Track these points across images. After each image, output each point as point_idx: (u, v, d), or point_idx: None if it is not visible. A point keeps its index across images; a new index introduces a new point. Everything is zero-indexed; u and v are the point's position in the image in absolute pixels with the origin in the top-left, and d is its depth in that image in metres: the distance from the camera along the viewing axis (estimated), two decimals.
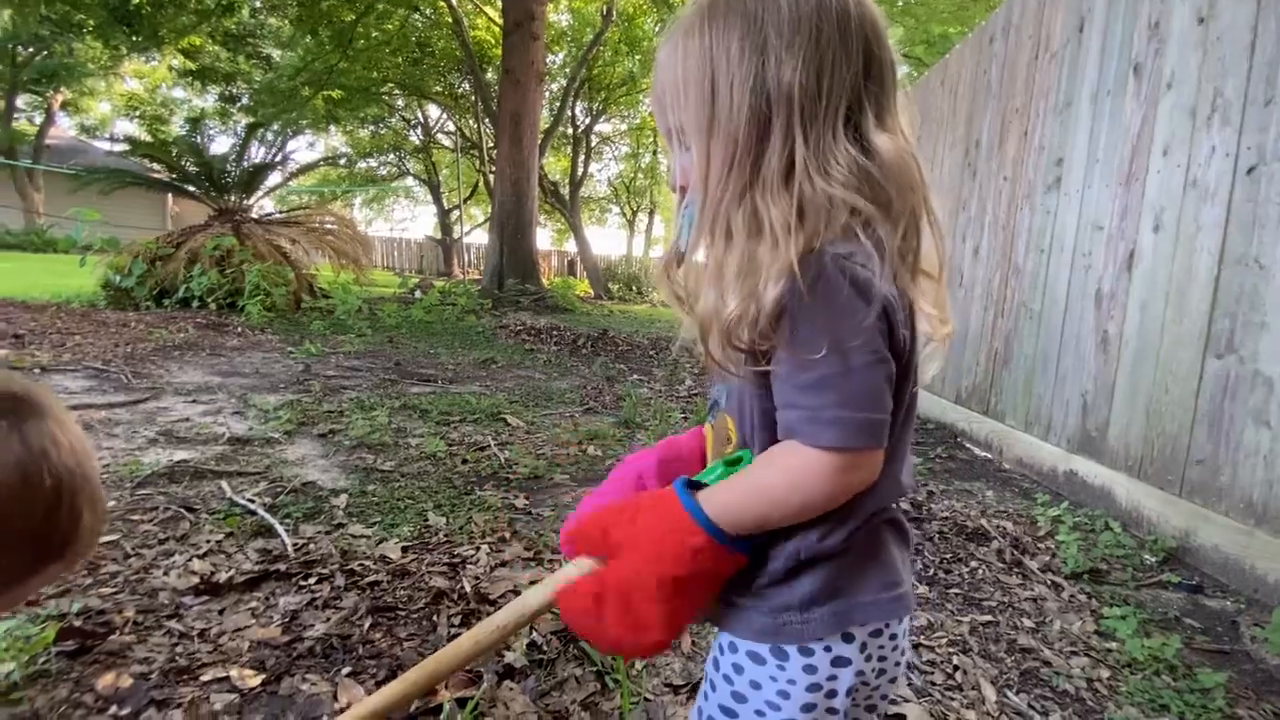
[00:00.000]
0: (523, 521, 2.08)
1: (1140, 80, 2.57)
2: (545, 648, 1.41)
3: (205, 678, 1.24)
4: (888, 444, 0.57)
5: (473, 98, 15.75)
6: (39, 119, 19.60)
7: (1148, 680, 1.54)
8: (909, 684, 1.46)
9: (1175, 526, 2.23)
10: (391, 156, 22.37)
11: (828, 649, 0.61)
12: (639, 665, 1.41)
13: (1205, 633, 1.77)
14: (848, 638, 0.61)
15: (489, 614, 1.54)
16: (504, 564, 1.76)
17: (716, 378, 0.67)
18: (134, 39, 11.55)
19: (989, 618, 1.80)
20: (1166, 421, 2.32)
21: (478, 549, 1.84)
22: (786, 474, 0.56)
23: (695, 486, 0.60)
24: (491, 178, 13.65)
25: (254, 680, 1.25)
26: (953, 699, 1.43)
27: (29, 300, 5.97)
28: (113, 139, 20.14)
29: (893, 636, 0.64)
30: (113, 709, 1.15)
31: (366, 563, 1.70)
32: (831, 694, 0.62)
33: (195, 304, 6.34)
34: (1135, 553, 2.21)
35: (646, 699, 1.31)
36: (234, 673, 1.26)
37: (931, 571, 2.02)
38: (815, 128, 0.56)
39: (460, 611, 1.53)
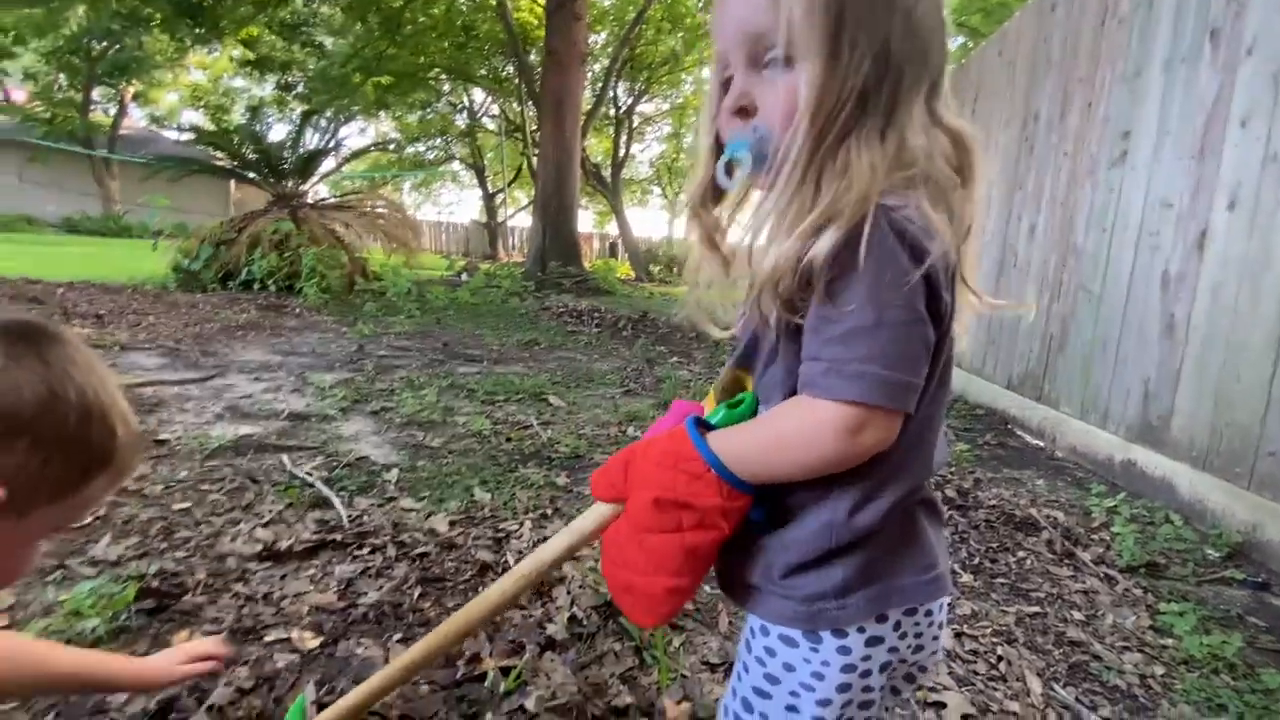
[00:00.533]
0: (564, 499, 2.13)
1: (1217, 46, 2.39)
2: (585, 622, 1.46)
3: (269, 638, 1.33)
4: (920, 414, 0.56)
5: (516, 80, 15.82)
6: (113, 111, 20.65)
7: (1205, 679, 1.49)
8: (950, 672, 1.45)
9: (1242, 520, 2.12)
10: (438, 141, 22.72)
11: (861, 630, 0.61)
12: (676, 642, 1.44)
13: (1270, 632, 1.69)
14: (881, 618, 0.61)
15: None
16: (546, 539, 1.81)
17: (744, 328, 0.65)
18: (197, 31, 12.02)
19: (1036, 609, 1.76)
20: (1237, 411, 2.20)
21: (521, 524, 1.90)
22: (797, 424, 0.55)
23: (706, 427, 0.61)
24: (535, 161, 13.74)
25: (313, 642, 1.33)
26: (995, 689, 1.41)
27: (107, 283, 6.35)
28: (180, 128, 21.07)
29: (928, 613, 0.64)
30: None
31: (416, 535, 1.78)
32: (866, 673, 0.62)
33: (256, 286, 6.63)
34: (1197, 547, 2.11)
35: (683, 676, 1.34)
36: (295, 634, 1.34)
37: (977, 560, 1.98)
38: (918, 89, 0.56)
39: None
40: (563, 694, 1.21)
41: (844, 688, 0.62)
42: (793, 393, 0.57)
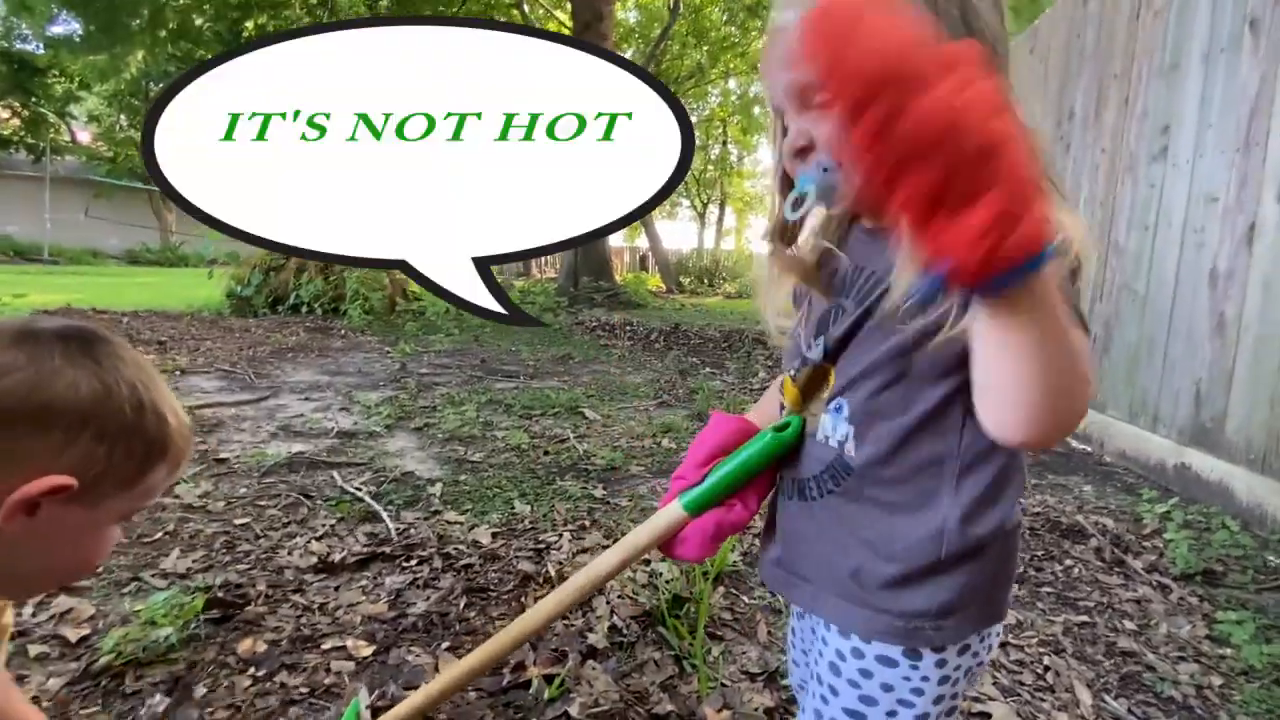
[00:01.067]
0: (601, 511, 2.17)
1: (1258, 35, 2.33)
2: (625, 631, 1.49)
3: (326, 646, 1.40)
4: None
5: None
6: None
7: (1266, 689, 1.44)
8: (994, 682, 1.43)
9: None
10: None
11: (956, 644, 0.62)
12: (715, 652, 1.46)
13: None
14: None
15: None
16: (585, 550, 1.86)
17: (814, 330, 0.66)
18: None
19: (1085, 618, 1.72)
20: None
21: (560, 536, 1.94)
22: (1081, 343, 0.46)
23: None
24: None
25: (366, 650, 1.39)
26: (1043, 700, 1.39)
27: (167, 310, 6.70)
28: None
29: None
30: (251, 670, 1.31)
31: (460, 547, 1.84)
32: (956, 681, 0.63)
33: (304, 309, 6.90)
34: (1256, 553, 2.03)
35: (723, 684, 1.35)
36: (349, 643, 1.41)
37: (1021, 569, 1.94)
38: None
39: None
40: (605, 701, 1.24)
41: (939, 699, 0.63)
42: (884, 381, 0.59)
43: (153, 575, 1.62)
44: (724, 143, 21.58)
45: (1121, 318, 3.08)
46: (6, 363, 0.60)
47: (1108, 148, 3.25)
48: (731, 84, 18.71)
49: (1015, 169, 0.34)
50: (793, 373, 0.70)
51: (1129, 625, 1.69)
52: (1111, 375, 3.13)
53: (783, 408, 0.73)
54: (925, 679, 0.62)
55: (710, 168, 22.54)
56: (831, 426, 0.64)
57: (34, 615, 1.43)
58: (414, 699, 0.99)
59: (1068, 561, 2.01)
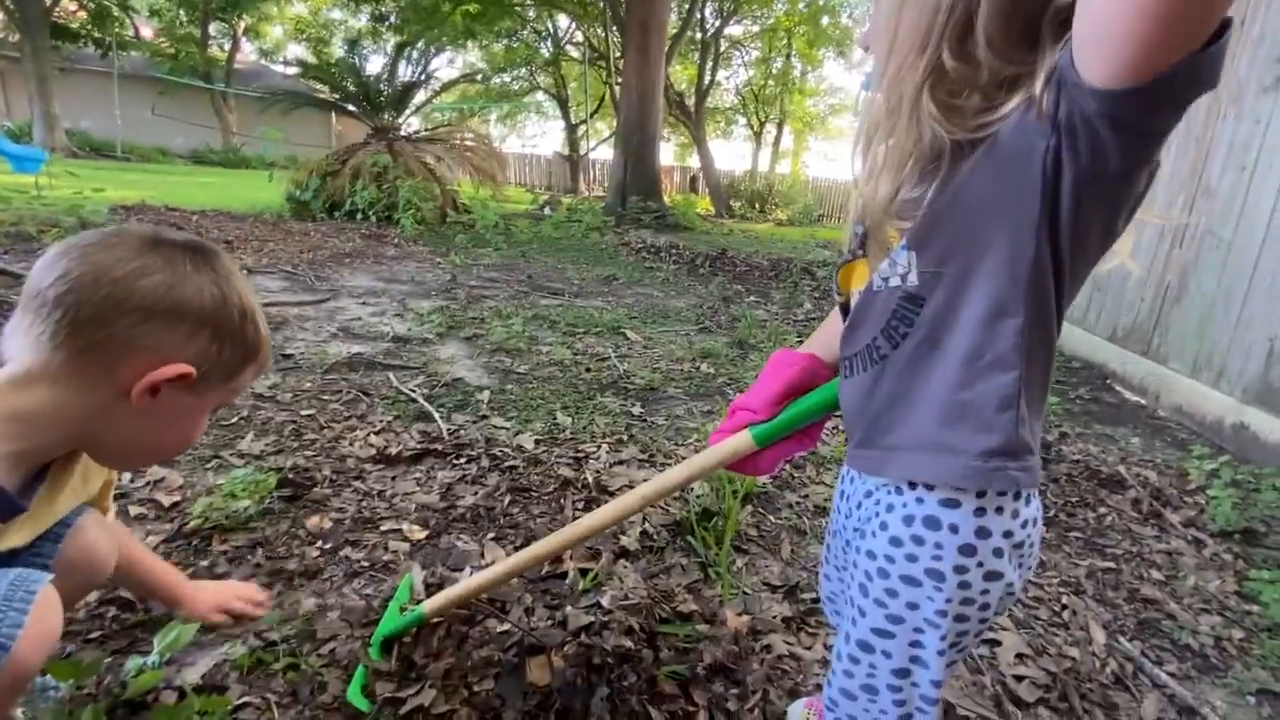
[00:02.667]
0: (638, 427, 2.26)
1: None
2: (655, 538, 1.58)
3: (384, 528, 1.54)
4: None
5: (601, 4, 15.33)
6: (227, 46, 21.76)
7: None
8: (1008, 614, 1.48)
9: None
10: (523, 71, 22.56)
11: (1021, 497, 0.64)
12: (739, 563, 1.54)
13: None
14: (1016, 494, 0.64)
15: (607, 502, 1.72)
16: (621, 462, 1.95)
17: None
18: None
19: (1111, 564, 1.74)
20: None
21: (599, 447, 2.04)
22: None
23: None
24: (618, 90, 13.45)
25: (420, 534, 1.53)
26: (1055, 635, 1.44)
27: (232, 211, 6.93)
28: (286, 62, 21.97)
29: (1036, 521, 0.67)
30: (318, 543, 1.46)
31: (506, 450, 1.95)
32: (1002, 552, 0.64)
33: (359, 216, 7.04)
34: None
35: (745, 593, 1.44)
36: (404, 526, 1.55)
37: (1052, 513, 1.95)
38: None
39: (583, 498, 1.74)
40: (634, 596, 1.35)
41: (968, 601, 0.65)
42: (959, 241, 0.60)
43: (231, 454, 1.79)
44: (787, 55, 20.17)
45: (1200, 265, 2.89)
46: (147, 264, 0.69)
47: None
48: None
49: None
50: (854, 254, 0.72)
51: (1155, 575, 1.71)
52: (1180, 326, 2.98)
53: (840, 295, 0.76)
54: (977, 534, 0.63)
55: (770, 83, 21.23)
56: (889, 267, 0.64)
57: (131, 481, 1.61)
58: (462, 585, 1.10)
59: (1101, 510, 2.00)
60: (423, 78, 9.52)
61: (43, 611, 0.70)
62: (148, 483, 1.61)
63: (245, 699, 1.04)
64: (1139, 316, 3.30)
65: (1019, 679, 1.28)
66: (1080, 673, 1.32)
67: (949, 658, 0.67)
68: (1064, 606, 1.54)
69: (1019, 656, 1.34)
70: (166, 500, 1.55)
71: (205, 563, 1.35)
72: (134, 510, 1.49)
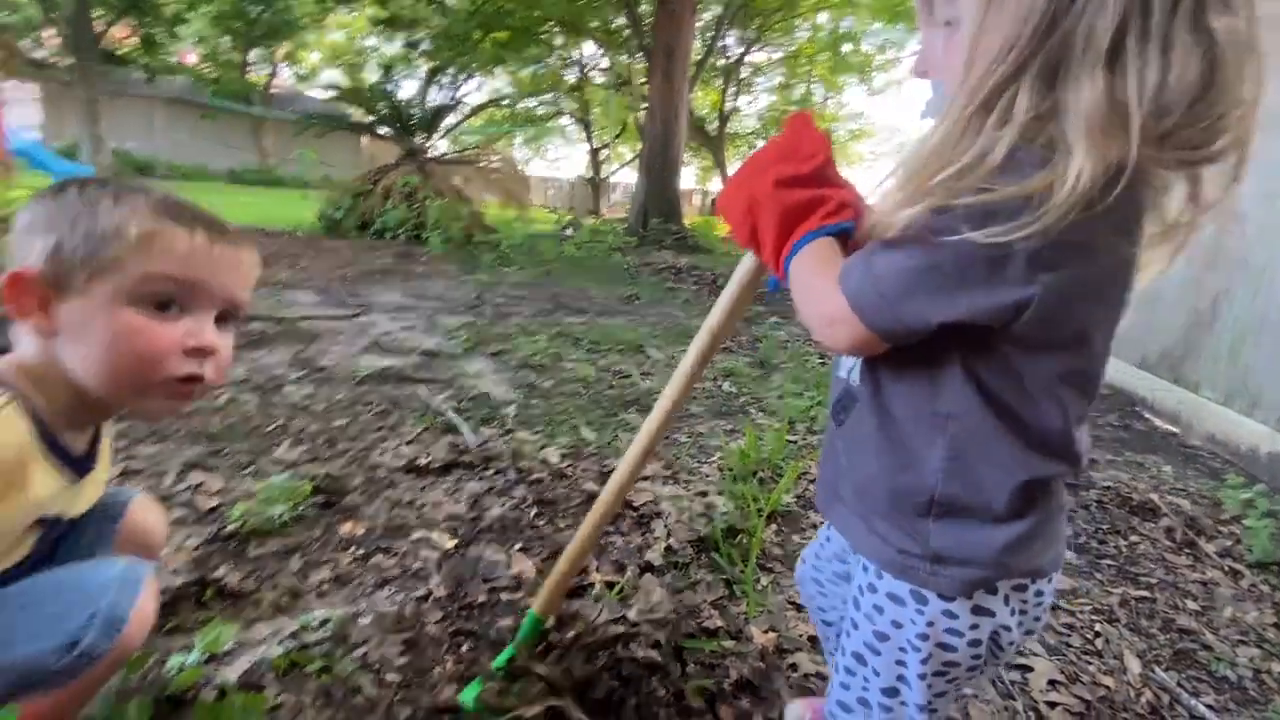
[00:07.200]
0: (662, 444, 2.27)
1: None
2: (680, 553, 1.59)
3: (414, 536, 1.57)
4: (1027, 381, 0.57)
5: (627, 31, 15.67)
6: (265, 70, 22.60)
7: None
8: (1040, 640, 1.46)
9: None
10: (549, 96, 23.05)
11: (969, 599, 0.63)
12: (764, 581, 1.54)
13: None
14: (991, 590, 0.63)
15: (632, 517, 1.73)
16: (645, 478, 1.96)
17: None
18: None
19: (1145, 593, 1.70)
20: None
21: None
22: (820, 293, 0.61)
23: None
24: (642, 116, 13.66)
25: (449, 543, 1.55)
26: (1089, 663, 1.41)
27: (268, 228, 7.14)
28: (322, 87, 22.72)
29: (1039, 594, 0.65)
30: (351, 549, 1.50)
31: (532, 463, 1.98)
32: (975, 642, 0.64)
33: (389, 235, 7.20)
34: None
35: (769, 611, 1.44)
36: (434, 535, 1.57)
37: (1083, 539, 1.92)
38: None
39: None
40: (660, 610, 1.36)
41: (948, 650, 0.64)
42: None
43: (268, 461, 1.84)
44: (809, 82, 20.39)
45: (1233, 292, 2.85)
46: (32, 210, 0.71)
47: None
48: (822, 18, 17.49)
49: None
50: None
51: (1191, 605, 1.67)
52: (1213, 352, 2.93)
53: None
54: (930, 625, 0.63)
55: (792, 108, 21.44)
56: (849, 361, 0.71)
57: (174, 484, 1.66)
58: (564, 557, 1.10)
59: (1134, 538, 1.97)
60: (453, 102, 9.78)
61: (147, 597, 0.76)
62: (188, 487, 1.66)
63: (281, 698, 1.06)
64: (1169, 342, 3.25)
65: (1051, 705, 1.26)
66: (1115, 702, 1.30)
67: (934, 686, 0.67)
68: (1097, 634, 1.51)
69: (1051, 683, 1.32)
70: (205, 504, 1.60)
71: (243, 565, 1.39)
72: (175, 513, 1.54)
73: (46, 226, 0.68)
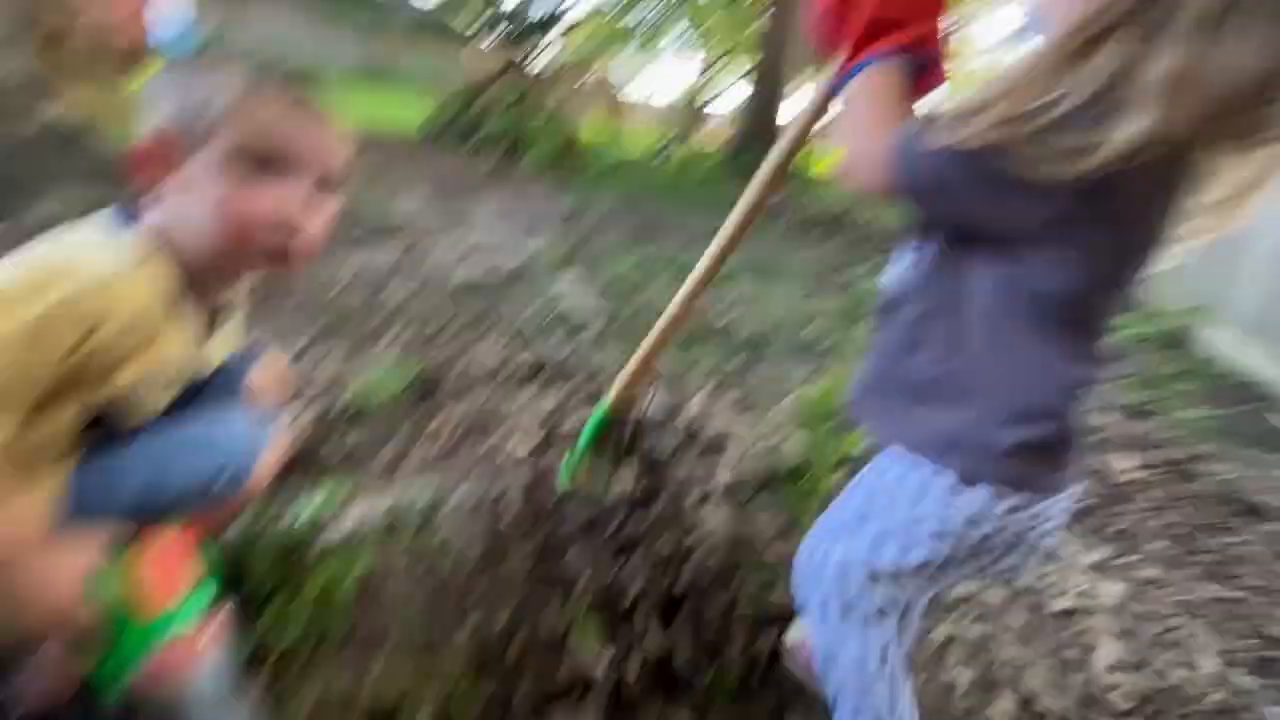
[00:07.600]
0: (738, 376, 2.29)
1: None
2: (742, 490, 1.62)
3: (495, 436, 1.67)
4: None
5: None
6: None
7: None
8: (1105, 628, 1.41)
9: None
10: (655, 12, 21.97)
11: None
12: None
13: None
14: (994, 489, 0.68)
15: (704, 440, 1.76)
16: (719, 406, 1.99)
17: None
18: None
19: (1237, 594, 1.61)
20: None
21: (699, 389, 2.09)
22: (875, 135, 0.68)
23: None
24: (756, 35, 12.85)
25: (528, 444, 1.65)
26: (1160, 653, 1.36)
27: (373, 133, 7.36)
28: None
29: (1034, 515, 0.69)
30: (440, 440, 1.62)
31: (609, 381, 2.03)
32: (972, 523, 0.69)
33: (487, 148, 7.27)
34: None
35: None
36: (515, 438, 1.67)
37: (1173, 531, 1.81)
38: None
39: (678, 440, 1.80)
40: (716, 537, 1.40)
41: (940, 534, 0.71)
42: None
43: (373, 352, 1.99)
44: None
45: None
46: None
47: None
48: None
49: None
50: None
51: None
52: None
53: None
54: (936, 501, 0.70)
55: None
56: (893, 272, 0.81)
57: (292, 361, 1.84)
58: (640, 350, 1.34)
59: (1232, 537, 1.84)
60: (557, 13, 9.53)
61: (276, 448, 0.90)
62: (308, 363, 1.84)
63: (375, 563, 1.19)
64: None
65: (1111, 687, 1.23)
66: (1181, 696, 1.26)
67: (913, 557, 0.73)
68: (1175, 628, 1.45)
69: (1114, 666, 1.29)
70: (322, 379, 1.76)
71: (350, 439, 1.54)
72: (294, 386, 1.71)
73: (159, 103, 0.74)
